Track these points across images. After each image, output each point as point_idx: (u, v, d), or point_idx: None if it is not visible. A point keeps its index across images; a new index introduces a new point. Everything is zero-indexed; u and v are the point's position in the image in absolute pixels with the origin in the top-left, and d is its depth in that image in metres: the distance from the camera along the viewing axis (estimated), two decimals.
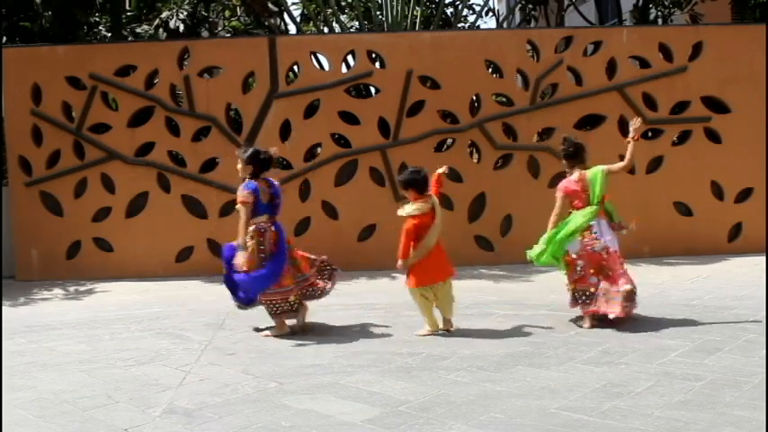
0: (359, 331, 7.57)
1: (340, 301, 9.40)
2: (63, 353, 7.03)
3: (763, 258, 11.29)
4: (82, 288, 11.13)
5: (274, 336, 7.40)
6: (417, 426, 4.65)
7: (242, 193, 7.32)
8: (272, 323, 7.55)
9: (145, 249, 12.08)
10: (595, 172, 7.58)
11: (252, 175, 7.46)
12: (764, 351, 6.23)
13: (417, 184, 7.31)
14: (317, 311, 8.55)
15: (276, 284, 7.37)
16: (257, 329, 7.68)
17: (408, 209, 7.25)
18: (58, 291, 11.00)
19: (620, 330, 7.14)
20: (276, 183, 7.72)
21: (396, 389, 5.49)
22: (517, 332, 7.30)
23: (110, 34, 17.36)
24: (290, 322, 7.60)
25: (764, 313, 7.61)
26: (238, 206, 7.35)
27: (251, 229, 7.33)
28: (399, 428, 4.60)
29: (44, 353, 7.03)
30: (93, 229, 12.17)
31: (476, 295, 9.51)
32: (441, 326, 7.39)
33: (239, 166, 7.55)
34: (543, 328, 7.45)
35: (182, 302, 9.58)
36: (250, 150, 7.57)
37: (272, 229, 7.45)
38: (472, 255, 12.11)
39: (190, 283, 11.14)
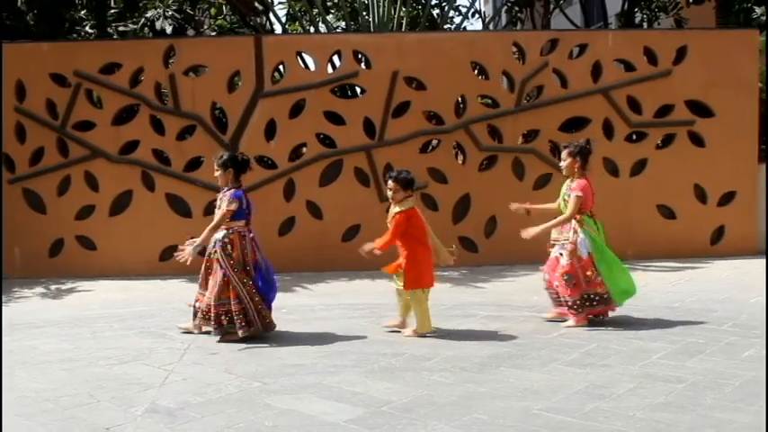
0: (342, 331, 7.56)
1: (324, 302, 9.40)
2: (45, 351, 6.99)
3: (745, 261, 11.39)
4: (64, 286, 11.07)
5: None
6: (400, 426, 4.65)
7: (231, 201, 7.25)
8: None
9: (128, 248, 12.02)
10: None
11: (234, 180, 7.39)
12: (747, 353, 6.27)
13: (413, 184, 7.39)
14: (300, 311, 8.55)
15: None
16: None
17: (398, 208, 7.27)
18: (40, 289, 10.93)
19: (603, 332, 7.18)
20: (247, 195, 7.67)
21: (379, 389, 5.49)
22: (500, 333, 7.32)
23: (95, 31, 17.27)
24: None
25: (746, 316, 7.67)
26: (220, 210, 7.30)
27: (224, 234, 7.29)
28: (382, 429, 4.61)
29: (26, 351, 6.99)
30: (77, 228, 12.10)
31: (459, 296, 9.52)
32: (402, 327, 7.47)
33: (217, 173, 7.46)
34: (526, 329, 7.47)
35: (165, 301, 9.55)
36: (226, 154, 7.51)
37: (250, 235, 7.43)
38: (456, 255, 12.11)
39: (173, 282, 11.10)
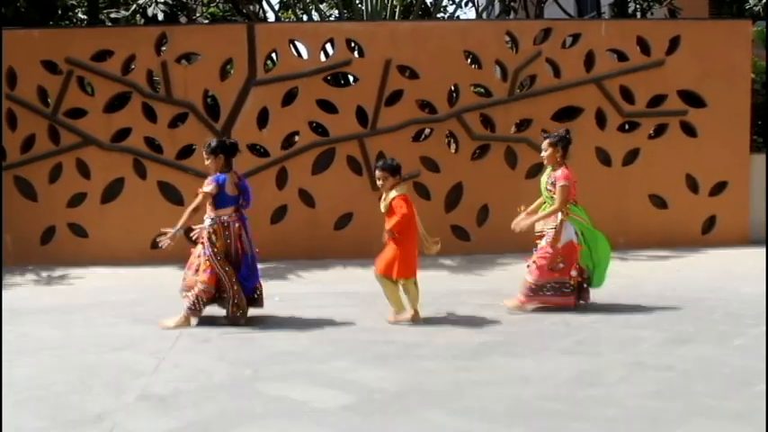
0: (334, 319, 7.57)
1: (316, 290, 9.41)
2: (36, 338, 6.99)
3: (737, 251, 11.44)
4: (56, 274, 11.05)
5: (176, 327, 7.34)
6: (392, 413, 4.66)
7: (208, 184, 7.28)
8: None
9: (120, 235, 11.99)
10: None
11: (225, 166, 7.39)
12: (737, 342, 6.30)
13: (400, 169, 7.43)
14: (292, 298, 8.55)
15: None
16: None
17: (394, 193, 7.27)
18: (31, 276, 10.91)
19: (594, 321, 7.20)
20: (245, 180, 7.67)
21: (371, 376, 5.50)
22: (492, 321, 7.34)
23: (86, 18, 17.19)
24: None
25: (738, 305, 7.71)
26: (200, 192, 7.31)
27: (209, 223, 7.29)
28: (374, 415, 4.62)
29: (17, 339, 6.98)
30: (68, 215, 12.07)
31: (451, 284, 9.53)
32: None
33: (207, 161, 7.45)
34: (518, 317, 7.50)
35: (157, 289, 9.53)
36: (214, 141, 7.50)
37: (237, 224, 7.40)
38: (448, 244, 12.08)
39: (165, 269, 11.08)
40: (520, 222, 7.78)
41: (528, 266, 7.80)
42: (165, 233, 7.34)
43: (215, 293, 7.36)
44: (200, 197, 7.29)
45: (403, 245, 7.25)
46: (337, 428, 4.39)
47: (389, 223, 7.24)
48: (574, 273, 7.56)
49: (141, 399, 5.07)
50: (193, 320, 7.39)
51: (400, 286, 7.41)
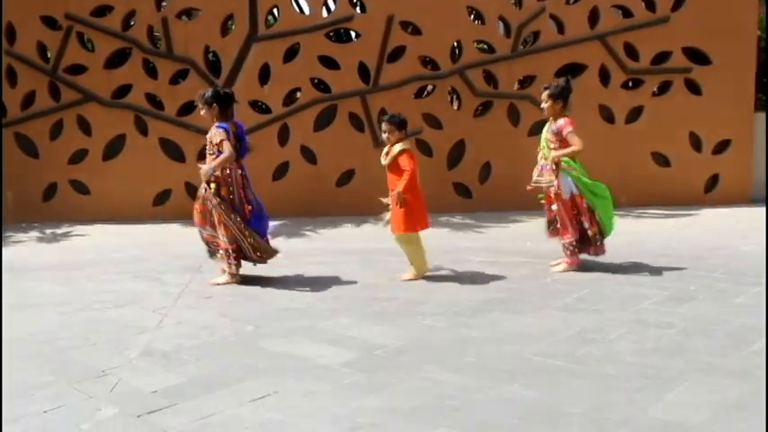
0: (336, 276, 7.60)
1: (318, 246, 9.44)
2: (39, 294, 7.02)
3: (739, 209, 11.45)
4: (58, 231, 11.08)
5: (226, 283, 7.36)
6: (393, 369, 4.70)
7: (218, 133, 7.10)
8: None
9: (122, 192, 12.02)
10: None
11: (220, 116, 7.30)
12: (738, 300, 6.32)
13: (407, 124, 7.40)
14: (294, 255, 8.57)
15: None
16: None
17: (399, 146, 7.23)
18: (33, 233, 10.94)
19: (596, 278, 7.22)
20: (241, 123, 7.54)
21: (372, 333, 5.53)
22: (493, 278, 7.36)
23: None
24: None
25: (738, 263, 7.73)
26: (219, 145, 7.14)
27: (215, 172, 7.21)
28: (375, 372, 4.65)
29: (21, 294, 7.01)
30: (70, 172, 12.08)
31: (453, 242, 9.55)
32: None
33: (203, 112, 7.34)
34: (519, 274, 7.52)
35: (159, 246, 9.57)
36: (209, 90, 7.37)
37: (239, 172, 7.31)
38: (450, 201, 12.15)
39: (167, 226, 11.12)
40: (552, 154, 7.51)
41: (550, 229, 7.75)
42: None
43: (237, 245, 7.30)
44: (227, 148, 7.03)
45: (411, 200, 7.21)
46: (339, 384, 4.42)
47: (400, 185, 7.17)
48: (586, 224, 7.50)
49: (144, 355, 5.10)
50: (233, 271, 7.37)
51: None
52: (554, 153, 7.44)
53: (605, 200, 7.56)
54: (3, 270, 8.14)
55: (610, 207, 7.63)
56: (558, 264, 7.70)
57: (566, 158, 7.41)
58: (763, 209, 10.73)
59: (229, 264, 7.30)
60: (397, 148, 7.23)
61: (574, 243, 7.54)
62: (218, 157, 7.09)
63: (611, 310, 6.06)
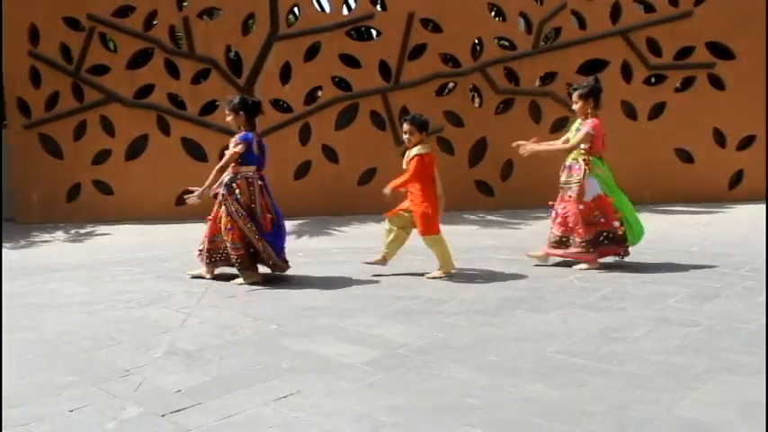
0: (358, 275, 7.60)
1: (339, 245, 9.45)
2: (64, 294, 7.07)
3: (764, 206, 11.32)
4: (82, 231, 11.17)
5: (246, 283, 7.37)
6: (416, 368, 4.70)
7: (236, 143, 7.21)
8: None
9: (145, 192, 12.09)
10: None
11: (247, 124, 7.35)
12: (763, 298, 6.27)
13: (428, 126, 7.45)
14: (316, 255, 8.59)
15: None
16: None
17: (416, 150, 7.27)
18: (58, 233, 11.04)
19: (619, 276, 7.19)
20: (263, 140, 7.61)
21: (395, 332, 5.53)
22: (516, 277, 7.34)
23: None
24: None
25: (763, 260, 7.66)
26: (227, 151, 7.28)
27: (231, 178, 7.26)
28: (397, 371, 4.65)
29: (45, 294, 7.08)
30: (93, 172, 12.17)
31: (475, 240, 9.54)
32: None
33: (229, 118, 7.41)
34: (542, 272, 7.50)
35: (182, 245, 9.61)
36: (237, 98, 7.45)
37: (259, 182, 7.35)
38: (472, 199, 12.13)
39: (190, 226, 11.15)
40: (527, 145, 7.70)
41: (553, 219, 7.75)
42: (191, 191, 7.37)
43: (245, 251, 7.36)
44: (228, 156, 7.25)
45: (421, 204, 7.25)
46: (362, 383, 4.43)
47: (395, 181, 7.36)
48: (616, 223, 7.48)
49: (168, 354, 5.13)
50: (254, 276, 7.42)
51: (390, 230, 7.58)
52: (535, 146, 7.68)
53: (627, 205, 7.60)
54: (27, 270, 8.23)
55: (635, 215, 7.64)
56: (579, 265, 7.68)
57: (594, 159, 7.43)
58: None
59: (234, 258, 7.34)
60: (414, 152, 7.25)
61: (585, 243, 7.53)
62: (237, 162, 7.20)
63: (634, 308, 6.03)
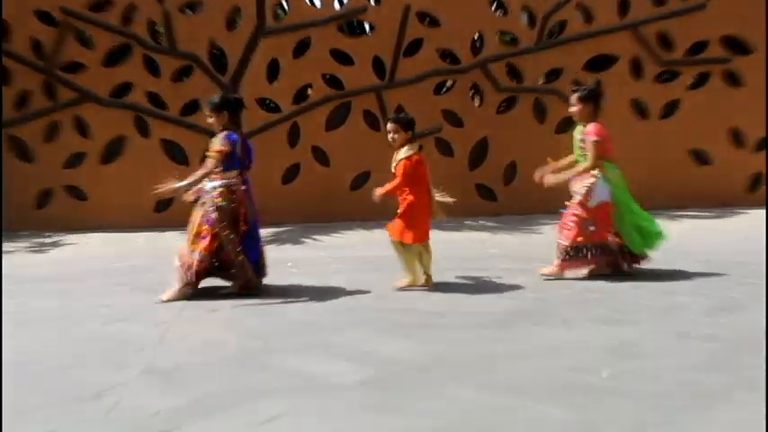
0: (351, 286, 7.54)
1: (331, 254, 9.39)
2: (33, 309, 6.99)
3: None
4: (52, 240, 11.09)
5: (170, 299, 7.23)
6: (413, 387, 4.63)
7: (221, 142, 7.13)
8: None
9: (121, 198, 12.02)
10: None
11: (231, 123, 7.27)
12: None
13: (414, 124, 7.35)
14: (305, 264, 8.52)
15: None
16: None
17: (404, 152, 7.19)
18: (27, 242, 10.95)
19: (631, 287, 7.14)
20: (248, 140, 7.54)
21: (390, 348, 5.46)
22: (520, 287, 7.29)
23: None
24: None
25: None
26: (209, 154, 7.18)
27: (217, 184, 7.16)
28: (394, 390, 4.58)
29: (12, 309, 6.98)
30: (66, 177, 12.09)
31: (477, 248, 9.49)
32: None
33: (210, 119, 7.32)
34: (548, 283, 7.44)
35: (161, 255, 9.52)
36: (217, 97, 7.39)
37: (242, 187, 7.26)
38: (473, 205, 12.08)
39: (169, 234, 11.08)
40: (549, 177, 7.66)
41: (571, 255, 7.69)
42: (164, 183, 7.23)
43: (211, 264, 7.25)
44: (213, 159, 7.14)
45: (413, 209, 7.17)
46: (356, 404, 4.36)
47: (384, 187, 7.25)
48: (610, 237, 7.46)
49: (145, 373, 5.05)
50: (188, 293, 7.27)
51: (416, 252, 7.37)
52: (557, 177, 7.62)
53: (640, 212, 7.56)
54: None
55: (651, 220, 7.61)
56: (546, 267, 7.71)
57: (605, 163, 7.41)
58: None
59: (191, 273, 7.19)
60: (402, 154, 7.18)
61: (568, 249, 7.50)
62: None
63: (648, 322, 5.97)
